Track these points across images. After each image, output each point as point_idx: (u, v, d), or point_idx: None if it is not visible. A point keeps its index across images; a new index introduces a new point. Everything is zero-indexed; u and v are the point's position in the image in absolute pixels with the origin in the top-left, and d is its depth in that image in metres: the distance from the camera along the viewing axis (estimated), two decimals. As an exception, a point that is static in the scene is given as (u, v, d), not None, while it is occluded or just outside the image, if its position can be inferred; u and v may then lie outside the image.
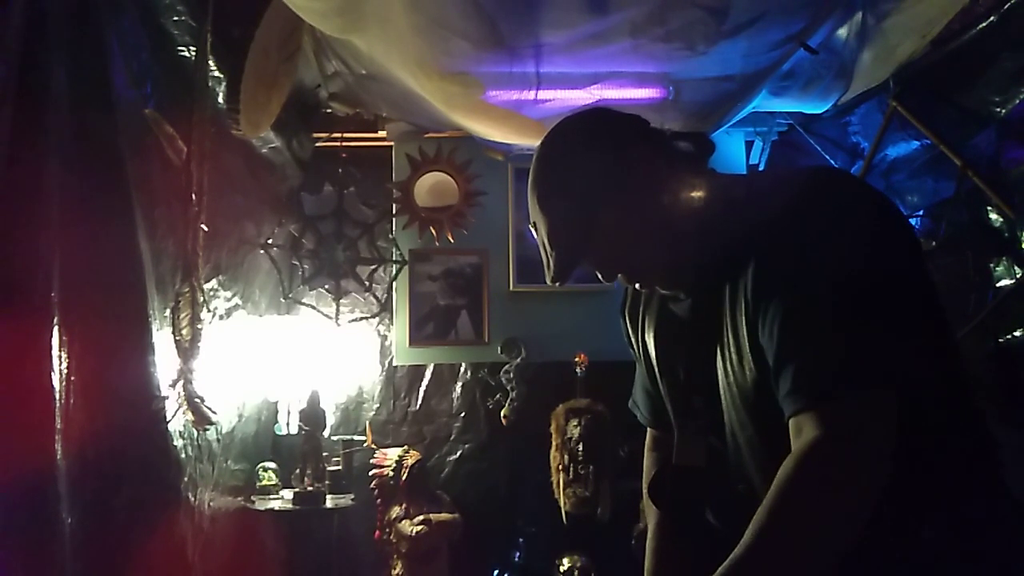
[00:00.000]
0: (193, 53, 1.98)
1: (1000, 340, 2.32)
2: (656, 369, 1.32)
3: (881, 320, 0.96)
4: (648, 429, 1.48)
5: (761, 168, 3.14)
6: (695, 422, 1.21)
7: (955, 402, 1.06)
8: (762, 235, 1.04)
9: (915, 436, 0.96)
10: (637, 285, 1.23)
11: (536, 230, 1.18)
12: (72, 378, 1.49)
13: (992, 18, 2.15)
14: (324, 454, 2.87)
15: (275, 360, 2.77)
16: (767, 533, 0.94)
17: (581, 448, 2.84)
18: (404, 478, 2.88)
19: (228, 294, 2.49)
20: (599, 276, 1.19)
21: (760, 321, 1.02)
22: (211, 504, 2.29)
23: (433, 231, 3.12)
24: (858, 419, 0.95)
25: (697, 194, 1.13)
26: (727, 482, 1.17)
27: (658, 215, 1.12)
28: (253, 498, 2.76)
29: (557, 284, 1.16)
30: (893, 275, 1.00)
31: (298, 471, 2.81)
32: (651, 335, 1.32)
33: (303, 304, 3.00)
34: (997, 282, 2.38)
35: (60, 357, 1.46)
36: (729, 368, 1.12)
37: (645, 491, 1.44)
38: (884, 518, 0.94)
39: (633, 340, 1.40)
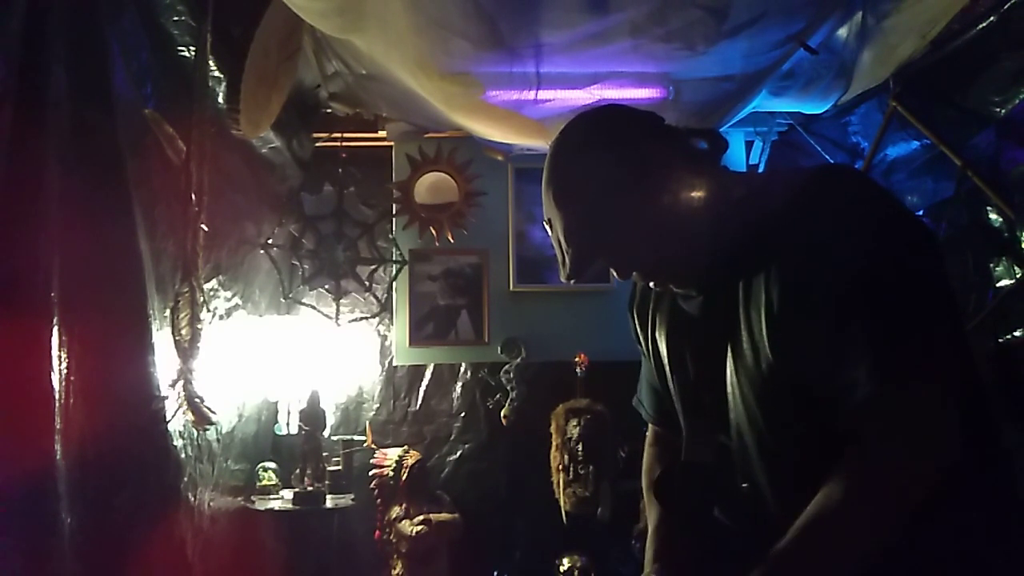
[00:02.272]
0: (193, 53, 1.98)
1: (1000, 340, 2.32)
2: (666, 367, 1.31)
3: (929, 318, 0.98)
4: (650, 425, 1.48)
5: (761, 168, 3.14)
6: (705, 419, 1.21)
7: (974, 403, 1.06)
8: (782, 233, 1.04)
9: None
10: (651, 283, 1.22)
11: (550, 227, 1.16)
12: (72, 378, 1.49)
13: (992, 18, 2.15)
14: (324, 454, 2.87)
15: (275, 360, 2.76)
16: (821, 521, 0.96)
17: (581, 448, 2.85)
18: (404, 478, 2.88)
19: (228, 294, 2.49)
20: (614, 273, 1.18)
21: (792, 320, 1.03)
22: (211, 504, 2.29)
23: (433, 231, 3.12)
24: (918, 414, 0.96)
25: (712, 191, 1.12)
26: (735, 479, 1.17)
27: (674, 212, 1.11)
28: (253, 498, 2.76)
29: (572, 282, 1.16)
30: (923, 272, 1.01)
31: (298, 471, 2.81)
32: (662, 333, 1.31)
33: (303, 304, 3.00)
34: (997, 282, 2.38)
35: (60, 357, 1.46)
36: (741, 366, 1.11)
37: (645, 486, 1.44)
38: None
39: (641, 337, 1.40)
